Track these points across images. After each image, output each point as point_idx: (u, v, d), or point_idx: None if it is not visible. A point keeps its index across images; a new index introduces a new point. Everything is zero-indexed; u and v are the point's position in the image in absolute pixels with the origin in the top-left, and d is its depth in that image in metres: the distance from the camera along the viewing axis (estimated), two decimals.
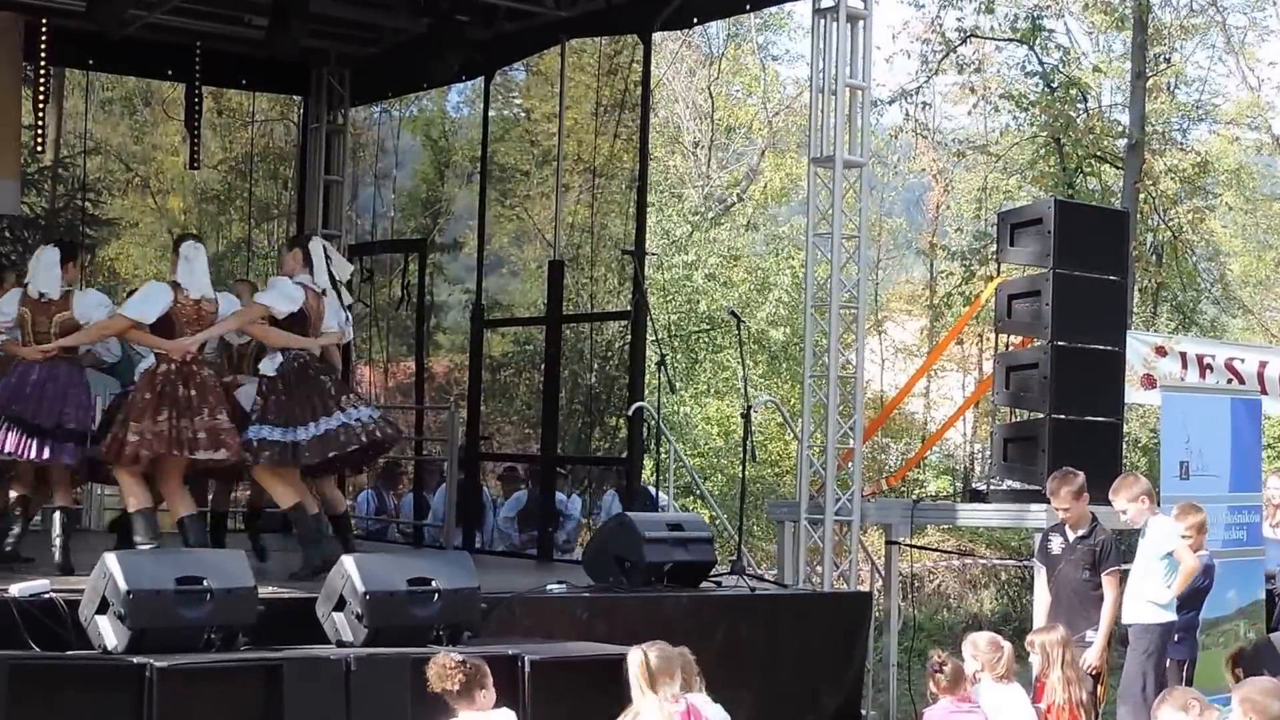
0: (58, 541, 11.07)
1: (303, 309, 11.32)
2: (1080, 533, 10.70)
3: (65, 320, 11.16)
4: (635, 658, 8.03)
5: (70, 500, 11.59)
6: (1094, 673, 10.31)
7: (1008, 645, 9.48)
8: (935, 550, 23.46)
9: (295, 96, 20.22)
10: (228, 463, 11.10)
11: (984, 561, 26.22)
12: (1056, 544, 10.85)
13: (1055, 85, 28.69)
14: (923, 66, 29.48)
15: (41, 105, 16.56)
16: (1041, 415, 13.02)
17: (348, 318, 12.02)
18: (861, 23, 13.10)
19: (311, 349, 11.41)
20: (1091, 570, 10.59)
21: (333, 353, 12.07)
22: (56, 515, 11.24)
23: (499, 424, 27.02)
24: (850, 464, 13.16)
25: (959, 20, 28.78)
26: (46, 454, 11.02)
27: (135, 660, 8.26)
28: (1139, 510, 10.50)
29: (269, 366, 11.38)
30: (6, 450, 10.95)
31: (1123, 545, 11.01)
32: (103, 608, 8.64)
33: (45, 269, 11.28)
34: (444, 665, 7.70)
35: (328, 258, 11.78)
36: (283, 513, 11.67)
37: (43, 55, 16.09)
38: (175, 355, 10.82)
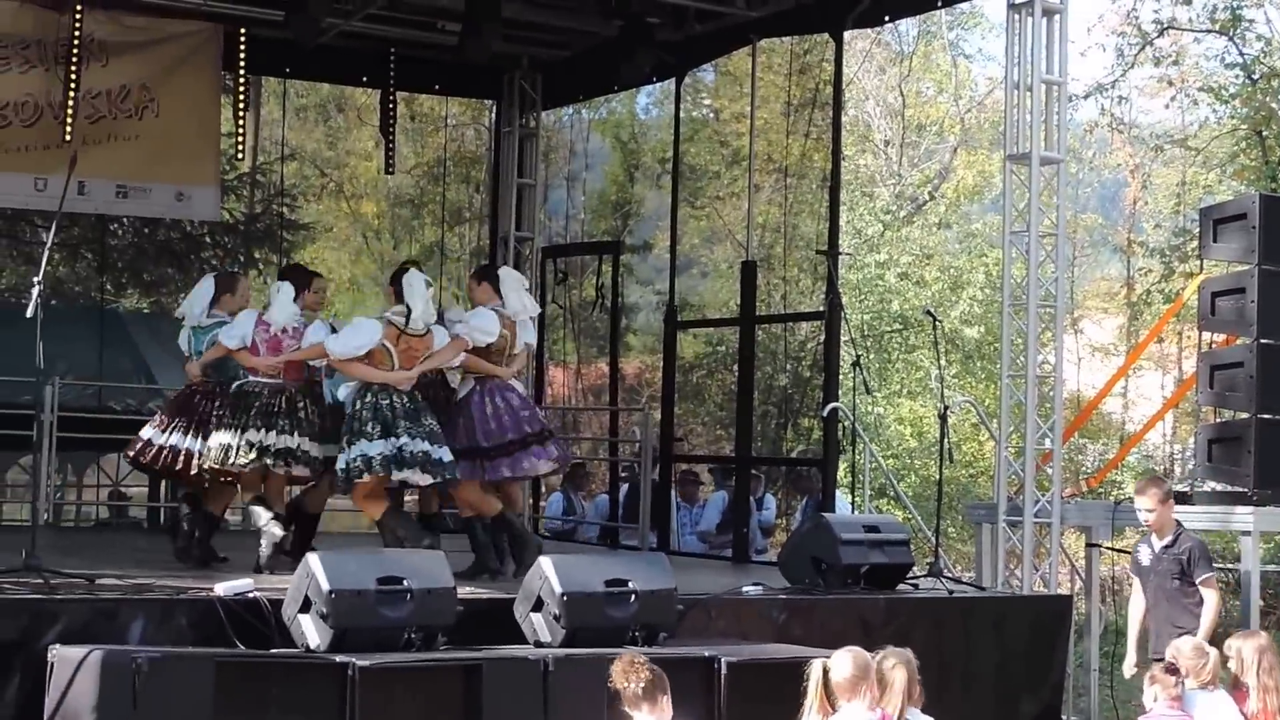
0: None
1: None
2: (1166, 541, 10.49)
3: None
4: (817, 671, 7.91)
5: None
6: None
7: (1213, 651, 9.28)
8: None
9: (487, 101, 20.39)
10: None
11: None
12: (1145, 554, 10.66)
13: (1256, 77, 28.05)
14: (1119, 60, 29.07)
15: (240, 113, 16.83)
16: (1247, 415, 12.74)
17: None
18: (1057, 17, 12.92)
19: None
20: (1181, 579, 10.37)
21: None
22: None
23: (690, 425, 27.05)
24: (1049, 465, 12.98)
25: (1156, 12, 28.32)
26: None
27: (338, 659, 8.35)
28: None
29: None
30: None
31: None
32: (305, 607, 8.74)
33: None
34: (632, 661, 7.66)
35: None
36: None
37: (241, 64, 16.38)
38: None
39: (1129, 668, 10.74)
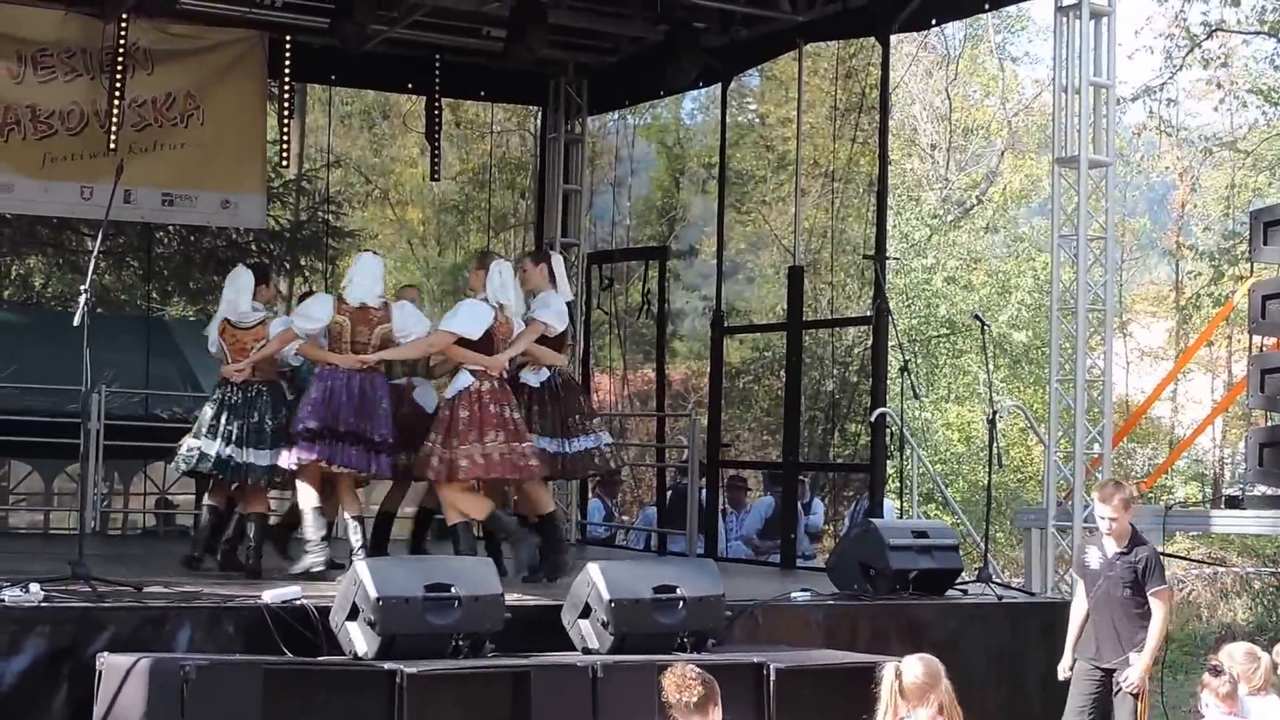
0: (356, 542, 11.13)
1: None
2: (1120, 548, 10.17)
3: (386, 332, 11.25)
4: (890, 675, 7.82)
5: (358, 509, 11.63)
6: (1135, 692, 9.96)
7: (1265, 656, 9.17)
8: (1188, 559, 22.91)
9: (532, 107, 20.38)
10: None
11: (1236, 570, 25.58)
12: (1094, 558, 10.33)
13: None
14: (1167, 62, 28.91)
15: (285, 121, 16.88)
16: None
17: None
18: (1105, 19, 12.84)
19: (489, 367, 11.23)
20: (1133, 587, 10.08)
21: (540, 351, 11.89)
22: (351, 522, 11.34)
23: (737, 431, 26.99)
24: (1098, 470, 12.89)
25: (1204, 14, 28.16)
26: (373, 467, 11.20)
27: (386, 666, 8.34)
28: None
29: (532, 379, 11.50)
30: (336, 463, 11.11)
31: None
32: (353, 614, 8.74)
33: (370, 279, 11.33)
34: (684, 675, 7.60)
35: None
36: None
37: (286, 71, 16.42)
38: (494, 371, 11.00)
39: (1063, 670, 10.50)
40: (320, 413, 10.93)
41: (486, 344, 11.00)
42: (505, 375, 11.18)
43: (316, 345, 11.17)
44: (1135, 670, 10.03)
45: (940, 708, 7.67)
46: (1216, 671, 8.70)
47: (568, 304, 12.05)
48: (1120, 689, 10.05)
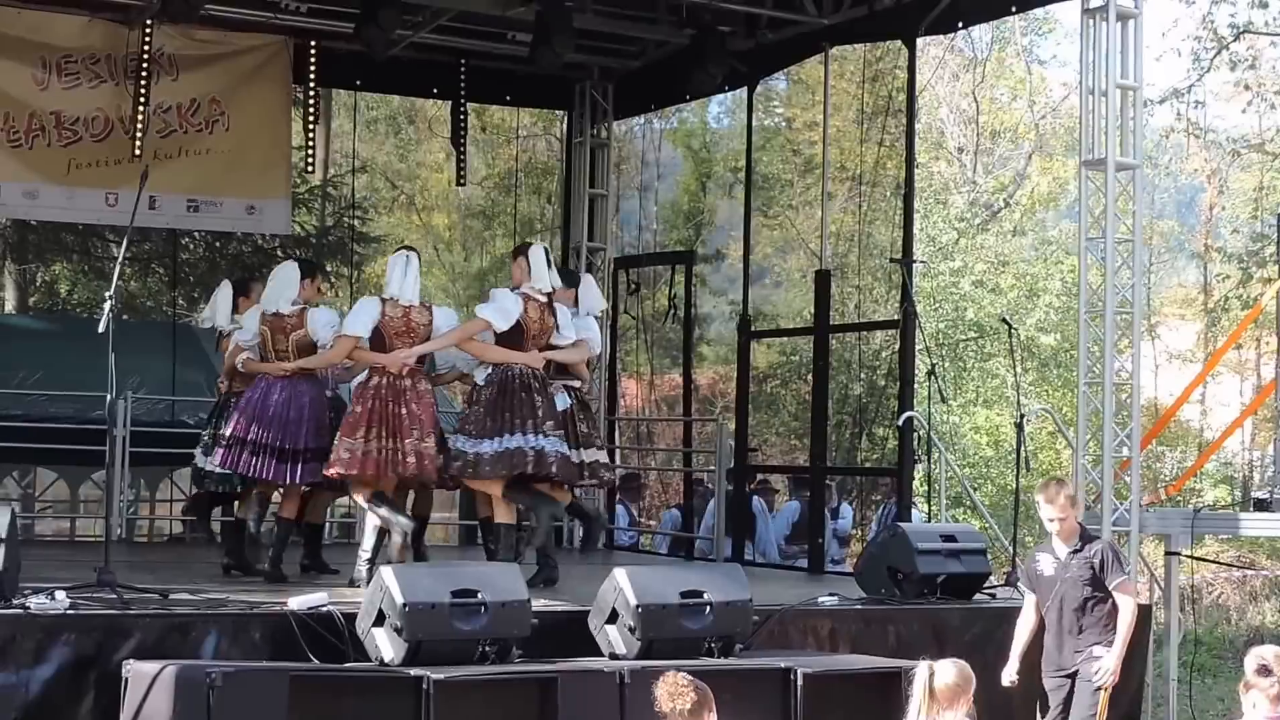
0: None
1: (519, 321, 11.12)
2: (1073, 546, 9.99)
3: (302, 339, 11.28)
4: (924, 675, 7.79)
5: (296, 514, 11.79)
6: (1103, 685, 9.83)
7: None
8: (1217, 562, 22.81)
9: (558, 111, 20.36)
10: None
11: (1265, 573, 25.46)
12: (1047, 563, 10.11)
13: None
14: (1194, 64, 28.81)
15: (311, 126, 16.85)
16: None
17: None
18: (1131, 21, 12.77)
19: (530, 364, 11.12)
20: (1093, 584, 9.91)
21: (580, 368, 11.93)
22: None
23: (764, 435, 26.97)
24: (1127, 473, 12.83)
25: (1231, 15, 28.07)
26: (287, 477, 11.22)
27: (412, 672, 8.32)
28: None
29: (480, 375, 11.36)
30: (250, 473, 11.20)
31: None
32: (379, 620, 8.71)
33: (282, 285, 11.39)
34: (676, 683, 7.57)
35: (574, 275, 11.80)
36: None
37: (311, 77, 16.39)
38: (392, 369, 10.86)
39: (1008, 676, 10.35)
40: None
41: (378, 341, 10.92)
42: (407, 371, 10.96)
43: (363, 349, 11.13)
44: (1109, 660, 9.87)
45: (970, 714, 7.65)
46: (1266, 671, 8.60)
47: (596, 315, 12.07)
48: (1090, 681, 9.90)
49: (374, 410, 10.73)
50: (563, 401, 11.47)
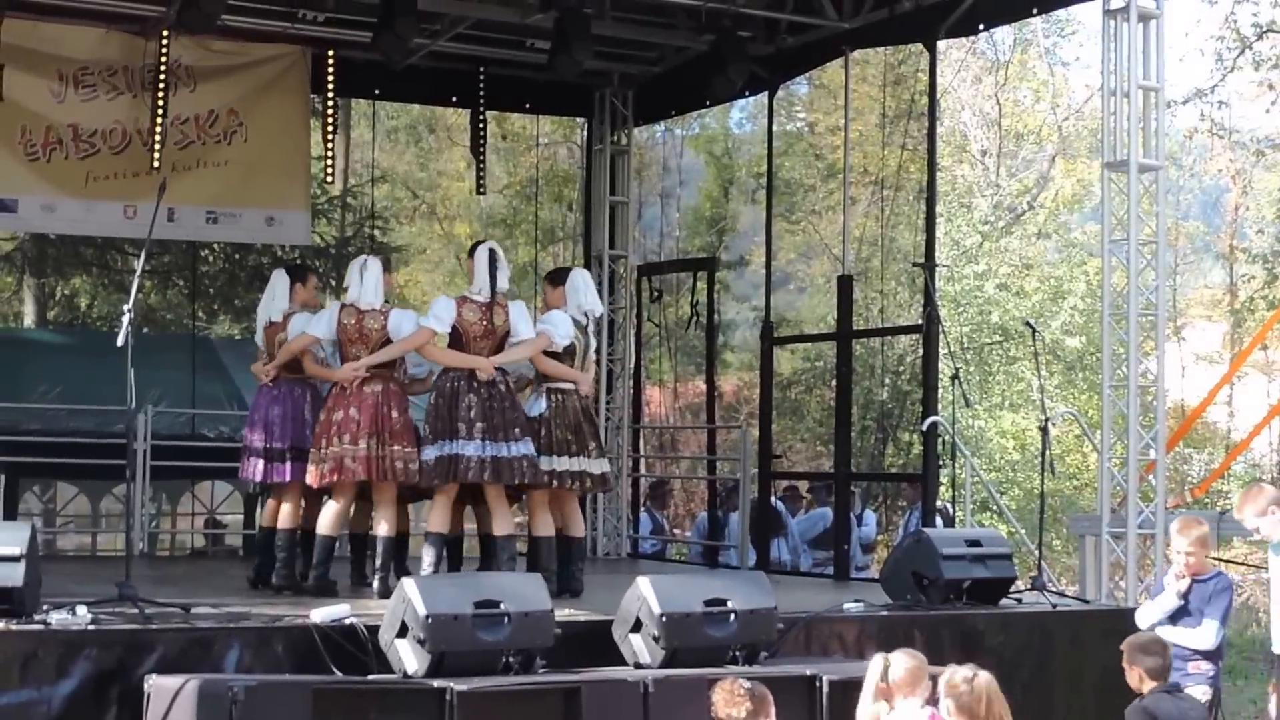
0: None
1: (455, 326, 11.02)
2: None
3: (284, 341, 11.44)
4: (879, 663, 7.83)
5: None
6: None
7: None
8: (1245, 564, 22.70)
9: (578, 119, 20.32)
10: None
11: None
12: None
13: None
14: (1217, 64, 28.71)
15: (330, 136, 16.78)
16: None
17: (590, 344, 11.74)
18: (1153, 22, 12.71)
19: (478, 368, 10.94)
20: None
21: (573, 374, 11.56)
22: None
23: (789, 441, 26.92)
24: (1153, 476, 12.76)
25: (1254, 15, 27.95)
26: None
27: (436, 684, 8.28)
28: (1272, 523, 9.34)
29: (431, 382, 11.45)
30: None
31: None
32: (402, 632, 8.68)
33: (273, 295, 11.59)
34: (733, 690, 7.56)
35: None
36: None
37: (330, 86, 16.32)
38: (346, 380, 10.93)
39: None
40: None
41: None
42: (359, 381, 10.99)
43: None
44: None
45: (926, 699, 7.70)
46: None
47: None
48: None
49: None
50: (536, 408, 11.37)
